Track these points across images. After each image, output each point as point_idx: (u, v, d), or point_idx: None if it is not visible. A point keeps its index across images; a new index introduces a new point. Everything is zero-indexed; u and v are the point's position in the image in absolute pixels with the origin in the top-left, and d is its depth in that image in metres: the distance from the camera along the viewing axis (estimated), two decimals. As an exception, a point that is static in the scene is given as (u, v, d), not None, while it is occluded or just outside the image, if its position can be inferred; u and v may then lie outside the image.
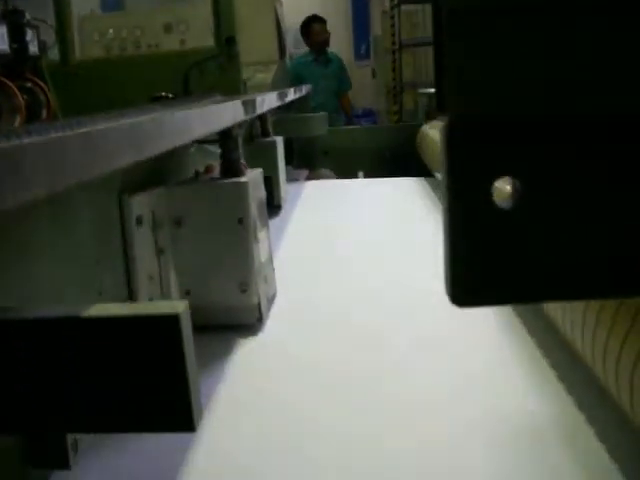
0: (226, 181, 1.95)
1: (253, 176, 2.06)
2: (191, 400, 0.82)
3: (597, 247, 0.69)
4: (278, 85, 6.23)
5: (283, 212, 3.78)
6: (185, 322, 0.82)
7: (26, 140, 0.71)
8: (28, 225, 1.25)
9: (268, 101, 2.70)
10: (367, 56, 13.96)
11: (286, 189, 3.98)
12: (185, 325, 0.81)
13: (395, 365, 1.77)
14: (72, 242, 1.43)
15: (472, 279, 0.71)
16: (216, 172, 2.08)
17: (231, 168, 2.02)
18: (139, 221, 1.74)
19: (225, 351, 1.90)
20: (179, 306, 0.82)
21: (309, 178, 5.22)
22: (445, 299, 0.72)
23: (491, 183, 0.68)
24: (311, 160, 5.52)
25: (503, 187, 0.70)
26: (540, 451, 1.34)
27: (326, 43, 8.43)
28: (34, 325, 0.81)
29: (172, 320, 0.81)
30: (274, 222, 3.49)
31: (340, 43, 13.03)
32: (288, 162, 5.90)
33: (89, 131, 0.84)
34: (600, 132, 0.65)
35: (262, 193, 2.19)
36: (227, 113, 1.69)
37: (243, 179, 1.94)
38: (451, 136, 0.66)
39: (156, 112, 1.47)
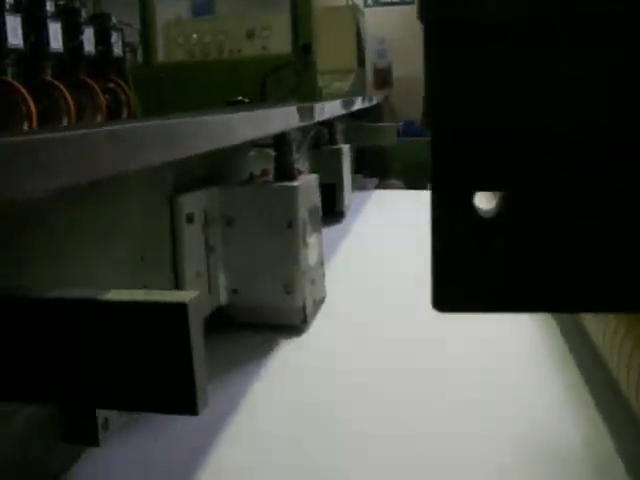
0: (277, 185, 2.01)
1: (306, 181, 2.12)
2: (195, 385, 0.87)
3: (577, 258, 0.71)
4: (355, 94, 6.28)
5: (345, 219, 3.83)
6: (193, 310, 0.87)
7: (50, 135, 0.78)
8: (75, 216, 1.32)
9: (330, 109, 2.74)
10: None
11: (351, 196, 4.03)
12: (193, 313, 0.87)
13: (443, 379, 1.78)
14: (119, 236, 1.50)
15: (454, 285, 0.74)
16: (271, 175, 2.14)
17: (284, 172, 2.08)
18: (190, 219, 1.81)
19: (266, 350, 1.95)
20: (188, 295, 0.88)
21: (378, 187, 5.26)
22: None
23: (472, 194, 0.71)
24: (381, 170, 5.56)
25: (486, 198, 0.73)
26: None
27: None
28: (51, 304, 0.88)
29: (180, 308, 0.86)
30: (335, 228, 3.54)
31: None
32: (359, 170, 5.96)
33: (117, 129, 0.90)
34: (578, 144, 0.68)
35: (316, 198, 2.24)
36: (278, 119, 1.75)
37: (294, 184, 2.00)
38: (435, 149, 0.70)
39: (216, 114, 1.52)
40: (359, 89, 6.78)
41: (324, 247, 2.51)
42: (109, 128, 0.89)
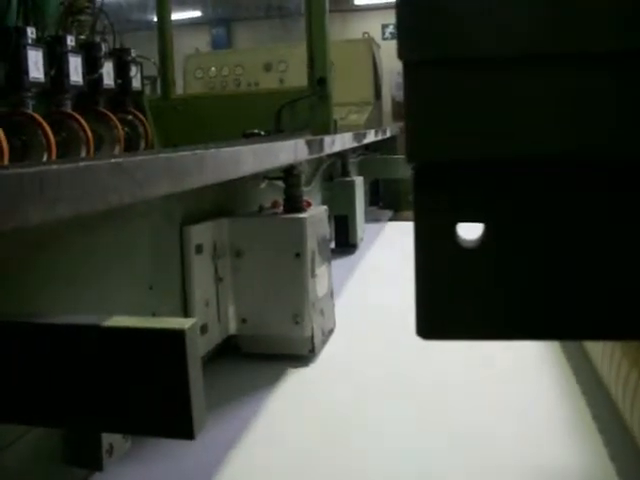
0: (285, 216, 2.05)
1: (315, 213, 2.15)
2: (192, 410, 0.90)
3: (559, 286, 0.74)
4: (372, 126, 6.34)
5: (358, 251, 3.85)
6: (191, 337, 0.90)
7: (54, 166, 0.81)
8: (86, 246, 1.36)
9: (340, 142, 2.78)
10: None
11: (364, 228, 4.06)
12: (191, 340, 0.90)
13: (444, 407, 1.80)
14: (129, 265, 1.54)
15: (437, 314, 0.76)
16: (281, 207, 2.18)
17: (293, 204, 2.12)
18: (199, 249, 1.84)
19: (272, 379, 1.97)
20: (187, 322, 0.90)
21: (392, 219, 5.30)
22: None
23: (454, 225, 0.73)
24: (395, 202, 5.60)
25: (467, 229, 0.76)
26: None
27: None
28: (53, 329, 0.91)
29: (178, 334, 0.89)
30: (347, 260, 3.57)
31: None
32: (375, 202, 6.00)
33: (121, 161, 0.94)
34: (556, 175, 0.70)
35: (325, 230, 2.27)
36: (286, 151, 1.79)
37: (302, 215, 2.03)
38: (416, 182, 0.73)
39: (224, 147, 1.55)
40: (376, 121, 6.84)
41: (336, 279, 2.53)
42: (114, 161, 0.93)
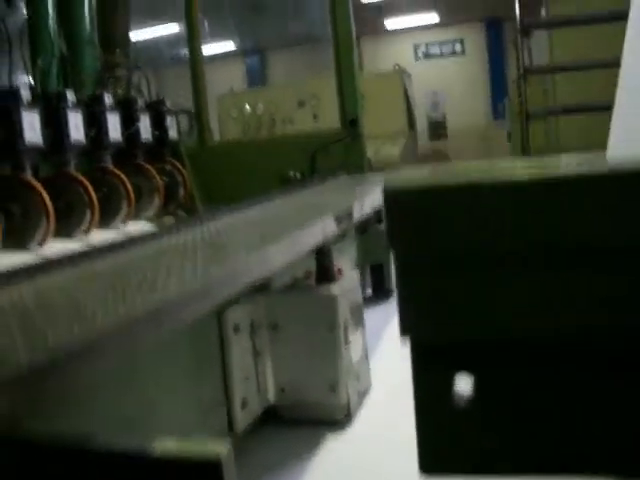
0: (318, 292, 2.14)
1: (347, 283, 2.24)
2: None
3: (543, 434, 0.83)
4: (408, 158, 6.41)
5: (393, 296, 3.93)
6: (227, 466, 0.99)
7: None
8: (132, 354, 1.47)
9: (370, 202, 2.86)
10: (503, 115, 14.14)
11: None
12: (227, 468, 0.98)
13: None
14: (174, 361, 1.65)
15: (438, 453, 0.86)
16: (313, 278, 2.27)
17: (325, 275, 2.22)
18: (236, 329, 1.95)
19: (312, 444, 2.07)
20: (222, 450, 0.99)
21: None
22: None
23: (450, 383, 0.83)
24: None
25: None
26: None
27: None
28: (83, 455, 1.00)
29: (214, 466, 0.98)
30: (383, 307, 3.66)
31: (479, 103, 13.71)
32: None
33: (158, 308, 1.04)
34: (537, 353, 0.80)
35: (357, 297, 2.37)
36: (313, 236, 1.87)
37: (334, 292, 2.13)
38: (414, 355, 0.83)
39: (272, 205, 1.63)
40: (411, 154, 6.91)
41: (373, 326, 2.62)
42: (155, 308, 1.03)
